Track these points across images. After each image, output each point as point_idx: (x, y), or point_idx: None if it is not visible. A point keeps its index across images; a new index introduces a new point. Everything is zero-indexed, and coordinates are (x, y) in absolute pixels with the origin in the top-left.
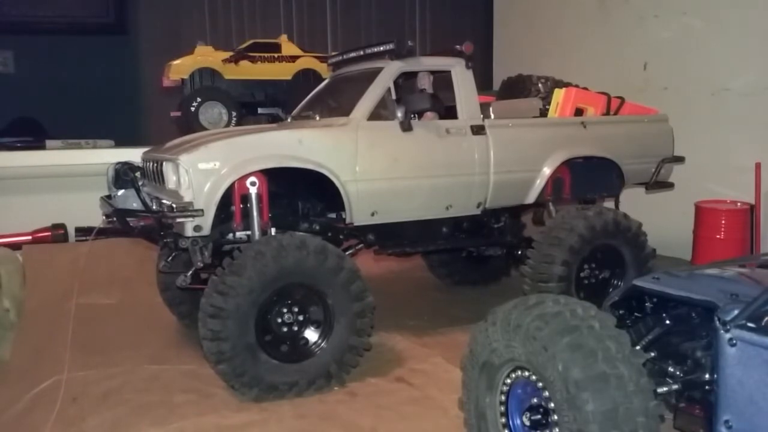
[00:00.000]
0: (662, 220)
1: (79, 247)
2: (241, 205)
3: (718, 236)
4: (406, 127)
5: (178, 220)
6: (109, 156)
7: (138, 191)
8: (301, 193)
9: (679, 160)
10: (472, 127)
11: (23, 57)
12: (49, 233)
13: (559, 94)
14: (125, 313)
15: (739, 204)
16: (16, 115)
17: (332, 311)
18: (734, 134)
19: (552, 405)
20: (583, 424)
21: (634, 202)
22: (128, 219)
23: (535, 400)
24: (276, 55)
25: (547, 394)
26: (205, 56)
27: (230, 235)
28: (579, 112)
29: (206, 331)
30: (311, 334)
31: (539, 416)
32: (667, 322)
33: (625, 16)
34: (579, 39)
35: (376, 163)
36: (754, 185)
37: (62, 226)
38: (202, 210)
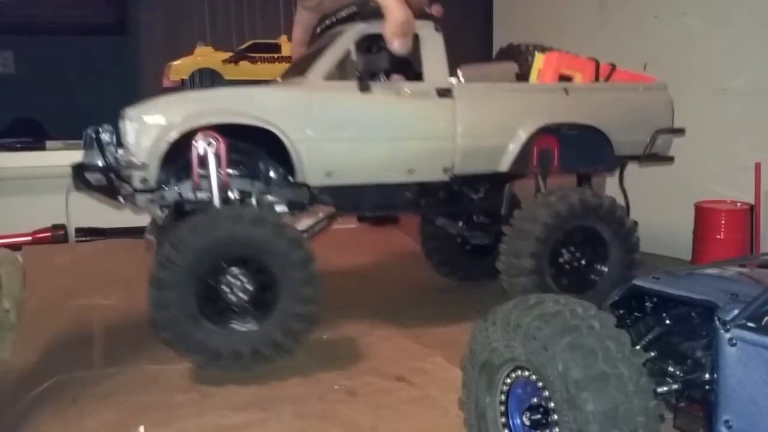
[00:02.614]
0: (662, 220)
1: (80, 248)
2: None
3: (718, 236)
4: (363, 87)
5: (126, 173)
6: None
7: (102, 149)
8: (264, 157)
9: (679, 132)
10: (437, 89)
11: (23, 57)
12: (49, 234)
13: (539, 59)
14: (125, 313)
15: (739, 204)
16: (16, 115)
17: (275, 279)
18: (734, 134)
19: (552, 405)
20: (583, 424)
21: (633, 203)
22: (88, 176)
23: (535, 400)
24: (276, 55)
25: (547, 393)
26: (205, 56)
27: (191, 195)
28: (566, 80)
29: (150, 299)
30: (255, 302)
31: (539, 416)
32: (667, 321)
33: (625, 16)
34: (579, 39)
35: (330, 123)
36: (754, 185)
37: (62, 227)
38: (145, 164)
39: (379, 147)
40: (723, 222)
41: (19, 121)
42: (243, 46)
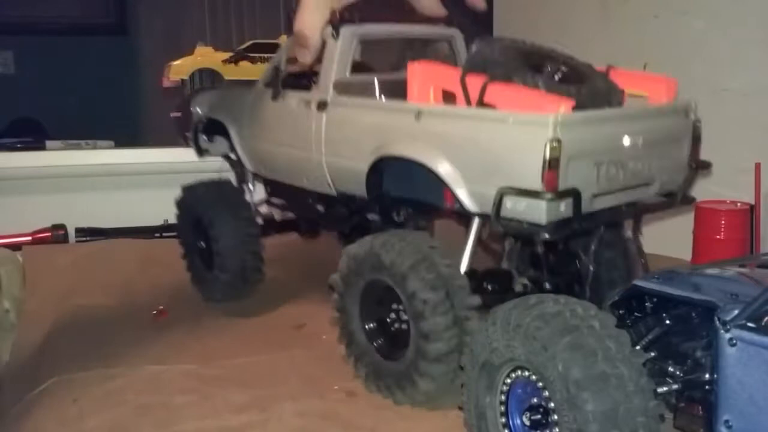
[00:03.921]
0: (662, 220)
1: (80, 248)
2: None
3: (718, 237)
4: (273, 95)
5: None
6: (109, 156)
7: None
8: None
9: (535, 195)
10: (318, 101)
11: (23, 57)
12: (49, 234)
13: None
14: (125, 314)
15: (739, 204)
16: (16, 115)
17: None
18: (734, 134)
19: (552, 405)
20: (583, 424)
21: None
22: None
23: (535, 400)
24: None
25: (547, 393)
26: (205, 56)
27: None
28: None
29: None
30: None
31: (539, 416)
32: (667, 322)
33: (626, 16)
34: (579, 39)
35: (254, 123)
36: (754, 185)
37: (62, 227)
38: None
39: (277, 152)
40: (723, 222)
41: (19, 121)
42: (243, 46)
